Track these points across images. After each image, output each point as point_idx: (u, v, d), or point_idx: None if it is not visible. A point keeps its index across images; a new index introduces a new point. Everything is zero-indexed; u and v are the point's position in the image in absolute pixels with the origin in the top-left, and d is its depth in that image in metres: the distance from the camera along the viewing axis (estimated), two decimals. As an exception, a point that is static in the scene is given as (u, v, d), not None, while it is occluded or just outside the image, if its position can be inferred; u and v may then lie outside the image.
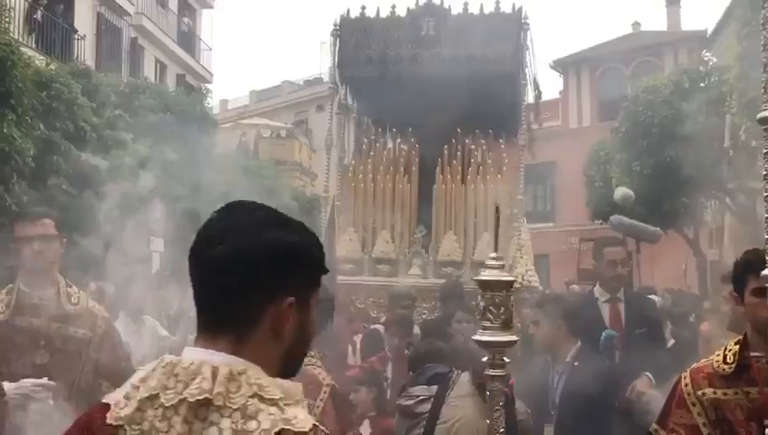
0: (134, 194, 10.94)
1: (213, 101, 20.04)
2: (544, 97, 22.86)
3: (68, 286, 2.96)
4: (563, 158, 23.26)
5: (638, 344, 4.04)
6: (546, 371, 3.84)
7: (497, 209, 2.08)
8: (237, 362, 1.19)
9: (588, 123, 24.40)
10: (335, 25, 8.00)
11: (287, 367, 1.28)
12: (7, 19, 9.32)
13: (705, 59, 16.80)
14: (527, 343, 4.03)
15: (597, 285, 4.44)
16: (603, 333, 3.92)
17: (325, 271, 1.33)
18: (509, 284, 1.61)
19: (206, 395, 1.14)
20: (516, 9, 7.67)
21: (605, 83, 24.68)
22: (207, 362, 1.18)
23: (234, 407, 1.15)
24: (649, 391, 3.75)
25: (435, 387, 3.57)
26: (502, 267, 1.63)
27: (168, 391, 1.17)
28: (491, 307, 1.59)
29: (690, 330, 6.87)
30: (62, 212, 9.18)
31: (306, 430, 1.16)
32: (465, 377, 3.47)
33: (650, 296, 6.75)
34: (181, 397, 1.15)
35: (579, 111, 24.98)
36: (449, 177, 7.53)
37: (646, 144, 12.72)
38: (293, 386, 1.22)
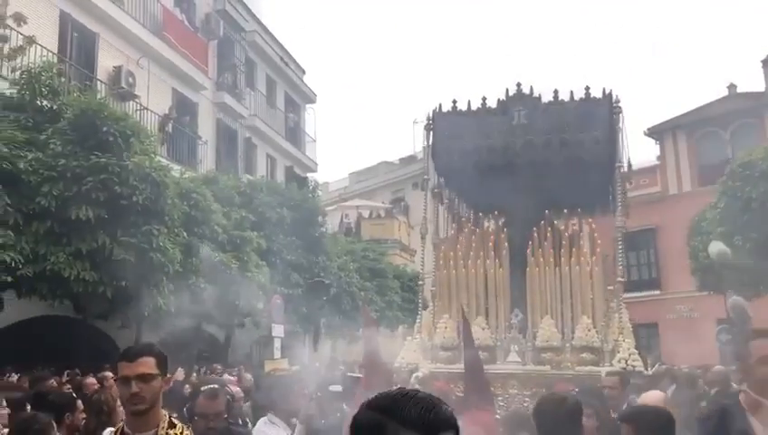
0: (258, 284, 12.21)
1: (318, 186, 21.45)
2: (641, 164, 22.56)
3: (170, 426, 2.78)
4: (666, 223, 22.94)
5: None
6: None
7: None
8: None
9: (689, 188, 23.97)
10: (428, 119, 8.30)
11: None
12: (154, 143, 10.93)
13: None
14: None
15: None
16: None
17: None
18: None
19: None
20: (607, 93, 7.72)
21: (704, 148, 24.25)
22: None
23: None
24: None
25: None
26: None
27: None
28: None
29: None
30: (200, 305, 10.50)
31: None
32: None
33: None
34: None
35: (678, 176, 24.62)
36: (542, 259, 7.48)
37: (746, 219, 12.57)
38: None
